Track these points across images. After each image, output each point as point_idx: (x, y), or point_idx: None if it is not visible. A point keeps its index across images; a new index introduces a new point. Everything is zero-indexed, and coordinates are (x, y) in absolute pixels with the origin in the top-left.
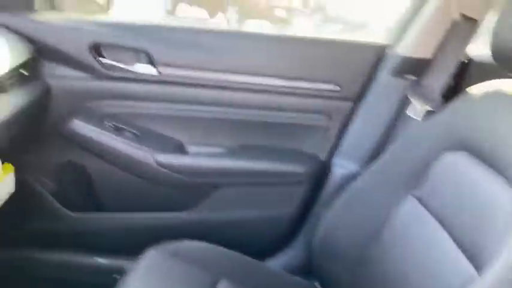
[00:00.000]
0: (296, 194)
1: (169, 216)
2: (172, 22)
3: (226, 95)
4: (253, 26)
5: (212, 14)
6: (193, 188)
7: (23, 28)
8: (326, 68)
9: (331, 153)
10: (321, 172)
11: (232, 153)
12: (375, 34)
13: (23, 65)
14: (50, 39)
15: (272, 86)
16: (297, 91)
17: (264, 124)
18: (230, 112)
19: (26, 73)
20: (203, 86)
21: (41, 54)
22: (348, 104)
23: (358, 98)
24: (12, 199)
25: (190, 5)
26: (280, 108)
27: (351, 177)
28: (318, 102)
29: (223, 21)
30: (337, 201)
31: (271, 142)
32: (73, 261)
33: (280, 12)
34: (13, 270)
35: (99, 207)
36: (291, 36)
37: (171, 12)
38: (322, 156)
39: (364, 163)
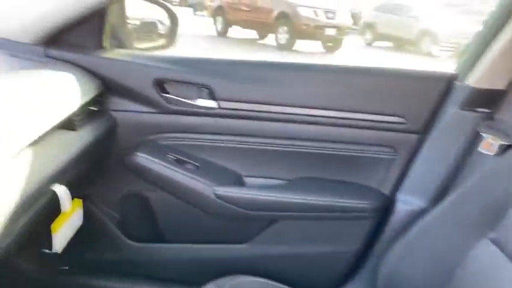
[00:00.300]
0: (358, 229)
1: (228, 248)
2: (233, 57)
3: (287, 127)
4: (303, 45)
5: (262, 36)
6: (252, 220)
7: (92, 65)
8: (390, 99)
9: (396, 188)
10: (385, 208)
11: (292, 186)
12: (425, 50)
13: (92, 101)
14: (117, 75)
15: (334, 118)
16: (360, 123)
17: (325, 157)
18: (290, 144)
19: (94, 109)
20: (264, 118)
21: (108, 89)
22: (414, 137)
23: (424, 131)
24: (78, 229)
25: (242, 28)
26: (342, 141)
27: (417, 214)
28: (382, 135)
29: (273, 42)
30: (402, 239)
31: (332, 175)
32: None
33: (330, 31)
34: None
35: (160, 238)
36: (352, 67)
37: (223, 34)
38: (386, 191)
39: (431, 200)
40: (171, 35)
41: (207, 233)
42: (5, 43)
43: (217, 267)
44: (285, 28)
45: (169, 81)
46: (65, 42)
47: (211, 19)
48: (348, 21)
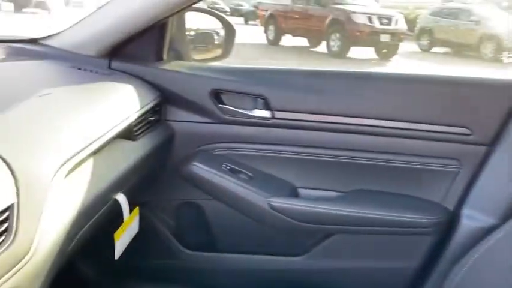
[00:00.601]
0: (419, 246)
1: (283, 260)
2: (289, 66)
3: (344, 137)
4: (356, 52)
5: (314, 43)
6: (307, 233)
7: (152, 77)
8: (455, 108)
9: (460, 202)
10: (448, 223)
11: (348, 198)
12: (488, 56)
13: (151, 112)
14: (175, 87)
15: (394, 128)
16: (422, 134)
17: (384, 169)
18: (347, 156)
19: (153, 119)
20: (319, 129)
21: (166, 100)
22: (480, 149)
23: (492, 143)
24: (135, 235)
25: (293, 36)
26: (402, 152)
27: (484, 232)
28: (446, 147)
29: (325, 49)
30: (469, 257)
31: (391, 189)
32: None
33: (385, 37)
34: None
35: (215, 247)
36: (413, 75)
37: (274, 42)
38: (450, 205)
39: (500, 216)
40: (227, 45)
41: (261, 244)
42: (70, 56)
43: (271, 279)
44: (338, 35)
45: (226, 92)
46: (127, 54)
47: (263, 28)
48: (403, 27)
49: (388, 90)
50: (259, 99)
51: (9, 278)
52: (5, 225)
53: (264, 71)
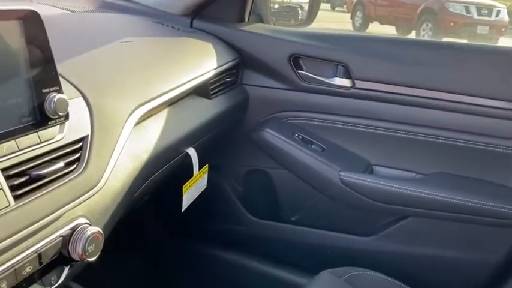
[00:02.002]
0: (503, 239)
1: (349, 239)
2: (374, 33)
3: (429, 113)
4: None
5: (403, 32)
6: (379, 213)
7: (232, 38)
8: None
9: None
10: None
11: (429, 180)
12: None
13: (228, 73)
14: (254, 49)
15: (488, 107)
16: None
17: (472, 151)
18: (431, 134)
19: (229, 80)
20: (403, 102)
21: (244, 63)
22: None
23: None
24: (203, 197)
25: (380, 23)
26: (496, 135)
27: None
28: None
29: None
30: None
31: (478, 174)
32: (246, 265)
33: (483, 30)
34: (188, 263)
35: (279, 217)
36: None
37: (361, 29)
38: None
39: None
40: (312, 10)
41: (328, 219)
42: (155, 13)
43: (336, 257)
44: (429, 25)
45: (305, 57)
46: (209, 14)
47: (350, 14)
48: (505, 19)
49: (485, 64)
50: (340, 66)
51: (78, 204)
52: (78, 154)
53: (347, 37)
